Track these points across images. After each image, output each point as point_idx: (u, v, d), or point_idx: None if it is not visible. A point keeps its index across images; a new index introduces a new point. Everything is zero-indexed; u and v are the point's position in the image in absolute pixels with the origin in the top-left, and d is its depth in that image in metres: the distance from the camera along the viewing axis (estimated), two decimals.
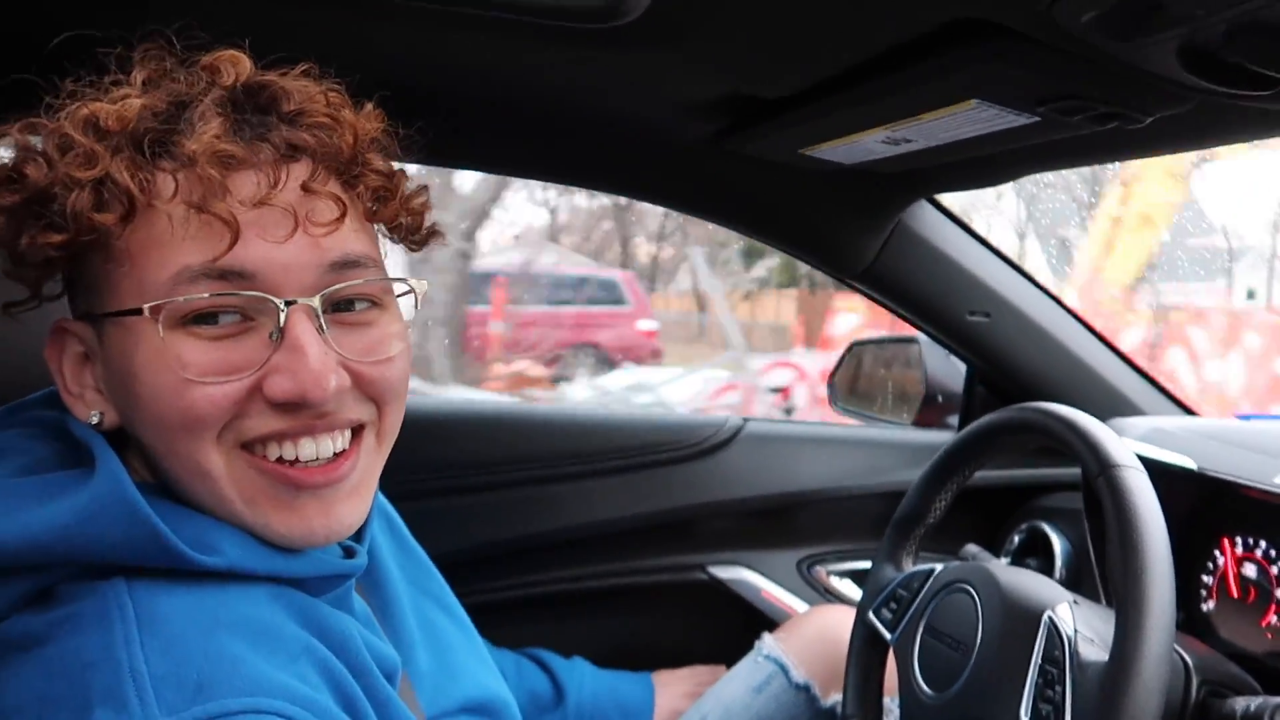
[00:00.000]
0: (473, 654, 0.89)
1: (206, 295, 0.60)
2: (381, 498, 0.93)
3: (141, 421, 0.62)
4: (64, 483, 0.60)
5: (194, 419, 0.60)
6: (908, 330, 1.61)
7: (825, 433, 1.64)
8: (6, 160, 0.62)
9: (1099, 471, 0.87)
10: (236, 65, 0.65)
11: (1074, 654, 0.86)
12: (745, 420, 1.57)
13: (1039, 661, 0.88)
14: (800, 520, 1.58)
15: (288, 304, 0.61)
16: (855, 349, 1.94)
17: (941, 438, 1.65)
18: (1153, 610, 0.78)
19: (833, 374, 1.95)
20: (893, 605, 1.09)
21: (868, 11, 0.75)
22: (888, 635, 1.08)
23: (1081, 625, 0.89)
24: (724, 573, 1.54)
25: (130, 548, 0.57)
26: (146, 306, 0.59)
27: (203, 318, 0.61)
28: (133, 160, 0.60)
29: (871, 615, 1.11)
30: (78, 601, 0.56)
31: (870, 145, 1.02)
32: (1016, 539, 1.49)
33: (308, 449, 0.64)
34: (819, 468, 1.56)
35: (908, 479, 1.52)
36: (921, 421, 1.73)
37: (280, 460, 0.63)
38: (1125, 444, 0.90)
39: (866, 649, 1.12)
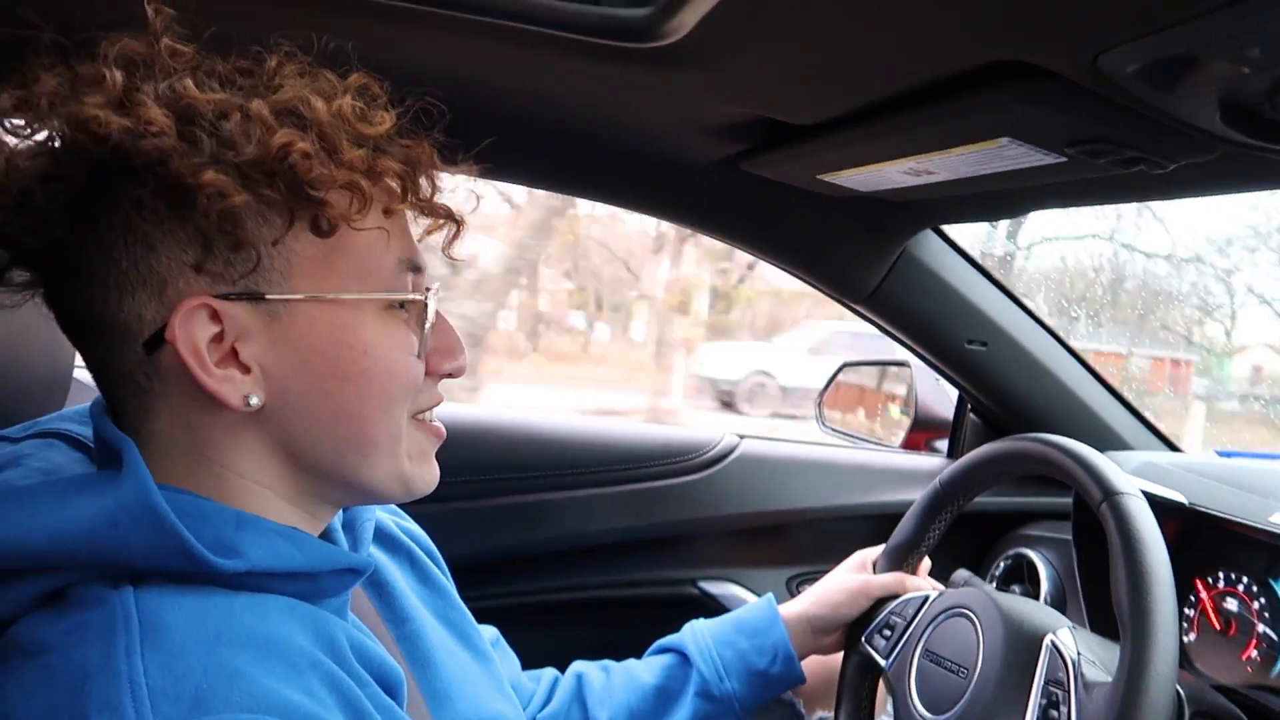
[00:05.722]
0: (492, 683, 0.89)
1: (429, 288, 0.69)
2: (415, 529, 0.96)
3: (340, 398, 0.64)
4: (88, 484, 0.60)
5: (411, 390, 0.67)
6: (898, 353, 1.64)
7: (817, 453, 1.65)
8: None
9: (1102, 499, 0.89)
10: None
11: (1079, 675, 0.87)
12: (741, 437, 1.59)
13: (1042, 682, 0.90)
14: (791, 538, 1.59)
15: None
16: (845, 369, 1.96)
17: (931, 462, 1.67)
18: (1160, 630, 0.80)
19: (821, 394, 1.96)
20: (886, 632, 1.09)
21: (910, 50, 0.76)
22: (882, 662, 1.08)
23: (1084, 649, 0.91)
24: (714, 588, 1.55)
25: (152, 552, 0.57)
26: (394, 296, 0.66)
27: (401, 303, 0.67)
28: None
29: (865, 643, 1.11)
30: (87, 610, 0.56)
31: (890, 175, 1.04)
32: (1002, 564, 1.52)
33: (435, 412, 0.73)
34: (810, 487, 1.58)
35: (898, 501, 1.54)
36: (909, 445, 1.75)
37: (428, 421, 0.72)
38: (1125, 473, 0.92)
39: (859, 676, 1.12)
